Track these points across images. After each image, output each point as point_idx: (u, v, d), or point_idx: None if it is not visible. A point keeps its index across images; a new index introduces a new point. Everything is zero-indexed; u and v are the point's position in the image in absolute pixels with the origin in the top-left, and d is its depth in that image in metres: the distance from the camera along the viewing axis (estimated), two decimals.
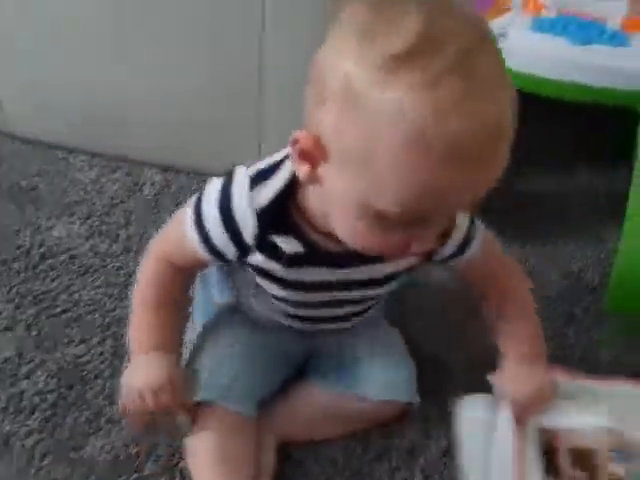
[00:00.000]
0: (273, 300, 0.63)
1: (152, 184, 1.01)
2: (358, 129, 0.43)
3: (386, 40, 0.42)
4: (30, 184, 1.00)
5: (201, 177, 1.01)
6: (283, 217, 0.55)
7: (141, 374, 0.58)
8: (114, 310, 0.80)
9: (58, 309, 0.80)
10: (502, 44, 0.74)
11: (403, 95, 0.41)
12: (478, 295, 0.67)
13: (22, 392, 0.70)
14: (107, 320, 0.79)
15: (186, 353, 0.65)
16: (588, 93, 0.74)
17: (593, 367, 0.73)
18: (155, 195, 0.99)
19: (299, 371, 0.71)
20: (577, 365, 0.68)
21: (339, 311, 0.65)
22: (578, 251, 0.91)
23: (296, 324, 0.66)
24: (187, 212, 0.57)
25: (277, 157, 0.56)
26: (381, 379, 0.67)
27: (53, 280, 0.84)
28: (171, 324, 0.60)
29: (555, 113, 0.91)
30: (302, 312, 0.64)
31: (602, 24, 0.74)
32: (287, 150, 0.54)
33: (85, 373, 0.73)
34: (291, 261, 0.57)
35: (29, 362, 0.73)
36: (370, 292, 0.63)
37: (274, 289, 0.61)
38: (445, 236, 0.58)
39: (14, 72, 1.03)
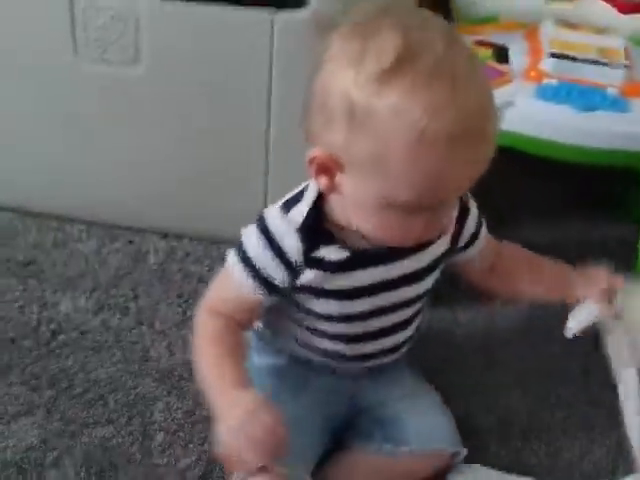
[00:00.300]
0: (320, 326, 0.64)
1: (156, 252, 1.00)
2: (366, 138, 0.50)
3: (374, 58, 0.49)
4: (28, 257, 0.97)
5: (206, 242, 1.01)
6: (320, 229, 0.59)
7: (239, 408, 0.54)
8: (136, 387, 0.78)
9: (77, 389, 0.77)
10: (509, 112, 0.79)
11: (398, 99, 0.48)
12: (488, 282, 0.73)
13: (32, 447, 0.67)
14: (131, 398, 0.76)
15: None
16: (593, 156, 0.78)
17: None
18: (161, 264, 0.98)
19: (339, 437, 0.70)
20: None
21: (386, 320, 0.65)
22: None
23: (341, 347, 0.66)
24: (230, 260, 0.61)
25: (298, 188, 0.61)
26: (425, 430, 0.68)
27: (67, 358, 0.81)
28: (241, 368, 0.59)
29: (546, 171, 0.96)
30: (351, 329, 0.64)
31: (603, 90, 0.80)
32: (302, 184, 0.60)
33: (115, 457, 0.70)
34: (340, 267, 0.60)
35: (54, 449, 0.70)
36: (412, 290, 0.64)
37: (329, 307, 0.62)
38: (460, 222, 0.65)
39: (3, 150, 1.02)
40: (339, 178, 0.54)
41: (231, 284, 0.61)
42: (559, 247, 1.06)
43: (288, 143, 0.93)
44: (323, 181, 0.55)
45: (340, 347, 0.66)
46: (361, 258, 0.60)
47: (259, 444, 0.52)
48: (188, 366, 0.80)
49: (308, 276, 0.59)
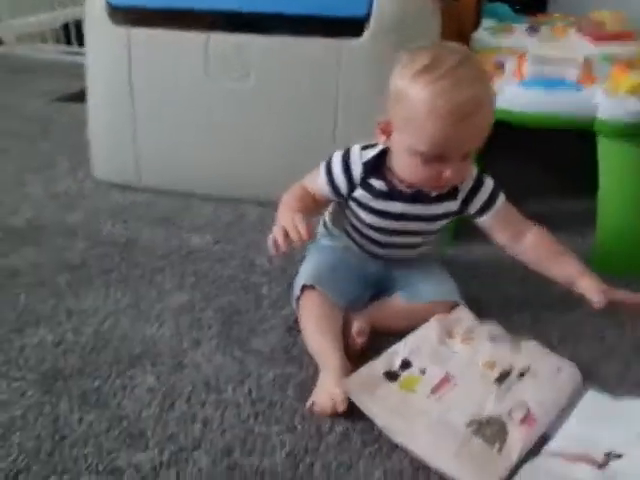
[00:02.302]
0: (362, 228, 1.00)
1: (253, 213, 1.39)
2: (402, 108, 0.86)
3: (413, 65, 0.85)
4: (166, 216, 1.38)
5: None
6: (377, 168, 0.96)
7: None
8: (249, 279, 1.15)
9: (210, 278, 1.15)
10: (500, 97, 1.15)
11: (421, 88, 0.84)
12: (513, 246, 0.99)
13: (199, 319, 1.04)
14: (245, 284, 1.14)
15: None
16: (557, 121, 1.14)
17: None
18: (259, 219, 1.37)
19: (378, 293, 1.06)
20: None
21: (405, 239, 1.01)
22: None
23: (375, 248, 1.03)
24: (322, 167, 0.99)
25: (375, 141, 0.96)
26: (435, 289, 1.02)
27: (201, 263, 1.20)
28: (305, 207, 0.95)
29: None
30: (381, 237, 1.01)
31: (563, 79, 1.17)
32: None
33: (239, 307, 1.07)
34: (379, 195, 0.96)
35: (199, 305, 1.08)
36: (426, 226, 1.00)
37: (366, 216, 0.98)
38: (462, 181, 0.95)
39: (153, 145, 1.45)
40: (392, 136, 0.90)
41: (317, 180, 0.99)
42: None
43: (350, 135, 1.33)
44: (382, 139, 0.93)
45: (373, 248, 1.04)
46: (394, 194, 0.96)
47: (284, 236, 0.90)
48: (283, 269, 1.18)
49: (359, 192, 0.97)
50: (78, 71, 1.50)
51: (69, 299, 1.08)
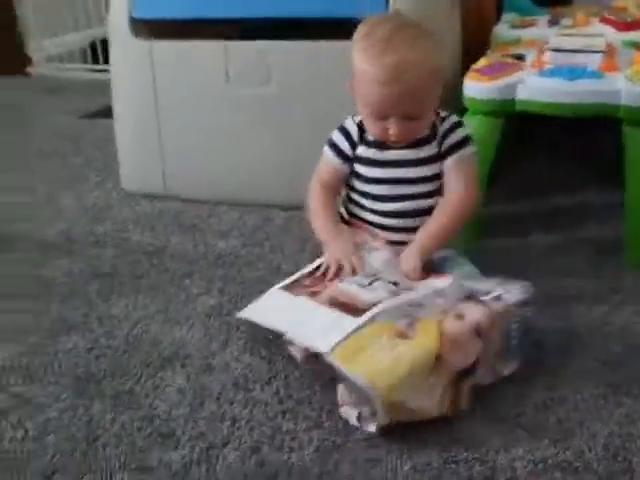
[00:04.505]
0: (364, 186, 1.06)
1: (279, 217, 1.41)
2: (354, 72, 0.99)
3: (356, 36, 0.99)
4: (193, 223, 1.41)
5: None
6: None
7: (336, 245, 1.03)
8: (279, 276, 1.15)
9: (237, 282, 1.17)
10: (520, 87, 1.14)
11: (357, 56, 0.98)
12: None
13: (227, 321, 1.06)
14: (276, 282, 1.12)
15: None
16: (578, 109, 1.13)
17: None
18: (285, 223, 1.38)
19: None
20: None
21: (401, 189, 1.04)
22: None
23: (380, 215, 1.06)
24: (324, 148, 1.09)
25: None
26: None
27: (230, 267, 1.22)
28: (334, 211, 1.09)
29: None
30: (380, 190, 1.05)
31: (584, 67, 1.15)
32: None
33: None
34: (376, 145, 1.04)
35: (227, 308, 1.09)
36: (415, 173, 1.04)
37: (367, 170, 1.05)
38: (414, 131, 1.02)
39: (179, 154, 1.48)
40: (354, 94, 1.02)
41: (324, 159, 1.09)
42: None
43: None
44: (352, 94, 1.01)
45: (375, 205, 1.06)
46: (384, 143, 1.03)
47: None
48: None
49: (361, 148, 1.05)
50: (104, 87, 1.55)
51: (101, 306, 1.11)
